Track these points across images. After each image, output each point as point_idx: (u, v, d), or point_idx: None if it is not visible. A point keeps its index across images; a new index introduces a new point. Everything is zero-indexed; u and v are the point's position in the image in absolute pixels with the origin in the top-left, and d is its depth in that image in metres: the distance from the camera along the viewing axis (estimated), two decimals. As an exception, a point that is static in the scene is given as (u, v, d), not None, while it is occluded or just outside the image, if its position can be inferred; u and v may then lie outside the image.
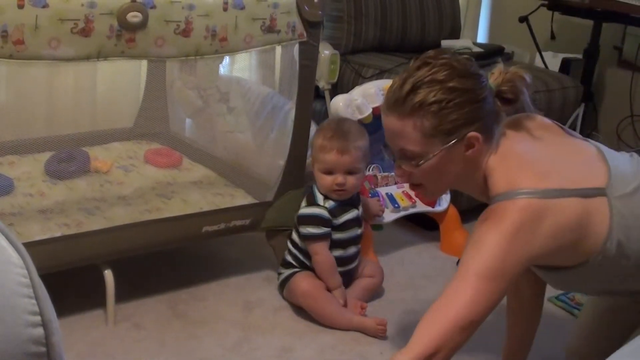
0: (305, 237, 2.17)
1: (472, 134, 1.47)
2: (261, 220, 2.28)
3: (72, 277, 2.11)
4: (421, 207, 2.60)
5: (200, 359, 1.94)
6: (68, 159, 2.39)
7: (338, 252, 2.20)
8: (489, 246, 1.41)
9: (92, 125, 2.66)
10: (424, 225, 2.80)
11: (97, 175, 2.40)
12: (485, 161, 1.51)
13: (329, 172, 2.15)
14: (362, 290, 2.26)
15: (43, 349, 0.68)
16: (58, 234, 1.98)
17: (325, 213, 2.16)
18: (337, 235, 2.19)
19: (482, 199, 1.58)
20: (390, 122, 1.51)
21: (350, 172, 2.15)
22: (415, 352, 1.38)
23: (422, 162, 1.50)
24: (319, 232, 2.16)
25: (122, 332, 2.02)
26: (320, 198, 2.18)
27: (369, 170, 2.57)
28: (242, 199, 2.36)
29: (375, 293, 2.31)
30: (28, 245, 1.88)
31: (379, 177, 2.56)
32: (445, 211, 2.67)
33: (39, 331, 0.68)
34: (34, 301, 0.69)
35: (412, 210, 2.58)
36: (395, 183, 2.60)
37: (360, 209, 2.27)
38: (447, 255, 2.65)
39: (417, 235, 2.78)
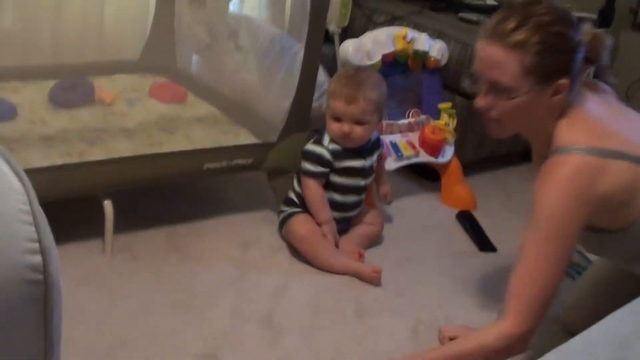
0: (302, 172, 2.19)
1: (563, 81, 1.53)
2: (263, 161, 2.27)
3: (71, 206, 2.10)
4: (424, 158, 2.59)
5: (195, 293, 1.94)
6: (72, 87, 2.37)
7: (336, 196, 2.20)
8: (551, 208, 1.49)
9: (98, 55, 2.64)
10: (426, 176, 2.79)
11: (101, 106, 2.39)
12: (560, 112, 1.57)
13: (337, 119, 2.14)
14: (361, 237, 2.27)
15: (40, 276, 0.67)
16: (59, 162, 1.97)
17: (325, 153, 2.16)
18: (337, 180, 2.19)
19: (541, 152, 1.62)
20: (491, 51, 1.55)
21: (358, 122, 2.13)
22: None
23: (512, 96, 1.55)
24: (314, 170, 2.17)
25: (118, 263, 2.03)
26: (326, 139, 2.18)
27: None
28: (246, 138, 2.35)
29: (374, 241, 2.32)
30: (28, 172, 1.87)
31: (383, 124, 2.54)
32: (448, 163, 2.65)
33: (37, 258, 0.67)
34: (33, 228, 0.68)
35: (415, 160, 2.57)
36: (400, 132, 2.58)
37: (372, 160, 2.25)
38: (446, 207, 2.65)
39: (419, 185, 2.77)
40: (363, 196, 2.27)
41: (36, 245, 0.67)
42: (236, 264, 2.10)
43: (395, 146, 2.53)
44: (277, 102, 2.36)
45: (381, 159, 2.35)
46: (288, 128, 2.27)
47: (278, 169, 2.31)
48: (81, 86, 2.39)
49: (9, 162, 0.69)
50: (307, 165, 2.17)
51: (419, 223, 2.52)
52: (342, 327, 1.90)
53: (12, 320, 0.66)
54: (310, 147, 2.18)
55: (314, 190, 2.18)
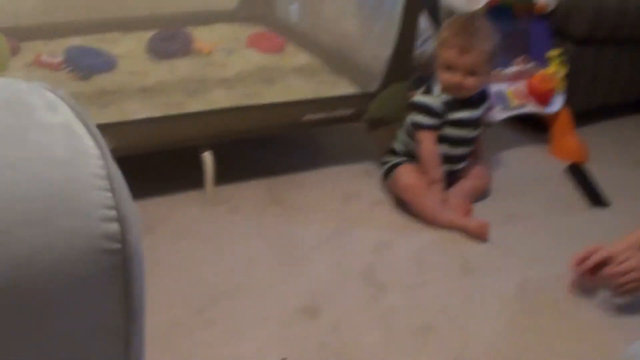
0: (413, 125, 2.11)
1: None
2: (363, 112, 2.20)
3: (172, 158, 2.09)
4: (532, 108, 2.47)
5: (295, 246, 1.91)
6: (170, 38, 2.35)
7: (445, 149, 2.12)
8: None
9: (197, 4, 2.61)
10: (535, 127, 2.67)
11: (199, 56, 2.36)
12: None
13: (449, 69, 2.05)
14: (468, 191, 2.18)
15: (118, 245, 0.62)
16: (158, 114, 1.95)
17: (436, 104, 2.08)
18: (448, 131, 2.11)
19: None
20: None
21: (470, 73, 2.04)
22: None
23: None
24: (427, 123, 2.09)
25: (218, 214, 2.01)
26: (437, 89, 2.10)
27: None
28: (345, 88, 2.28)
29: (480, 195, 2.23)
30: (128, 124, 1.87)
31: (490, 73, 2.43)
32: (558, 113, 2.53)
33: (114, 227, 0.61)
34: (110, 194, 0.62)
35: (521, 110, 2.46)
36: (507, 80, 2.46)
37: (481, 110, 2.16)
38: (556, 160, 2.52)
39: (527, 137, 2.66)
40: (472, 147, 2.19)
41: (113, 213, 0.61)
42: (337, 217, 2.05)
43: (501, 96, 2.42)
44: (377, 50, 2.28)
45: (489, 110, 2.24)
46: (389, 77, 2.19)
47: (379, 119, 2.24)
48: (179, 36, 2.37)
49: (84, 122, 0.64)
50: (419, 118, 2.09)
51: (527, 176, 2.41)
52: (447, 284, 1.83)
53: (90, 290, 0.61)
54: (421, 98, 2.10)
55: (428, 145, 2.10)
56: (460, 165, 2.19)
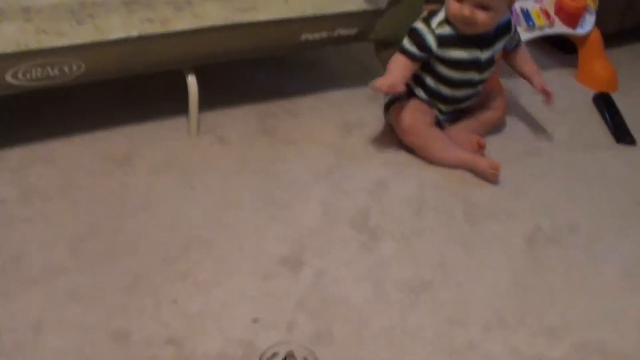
0: (398, 49, 1.88)
1: None
2: (370, 31, 1.99)
3: (156, 82, 1.92)
4: (559, 28, 2.24)
5: (284, 183, 1.74)
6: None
7: (444, 90, 1.90)
8: None
9: None
10: (562, 48, 2.43)
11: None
12: None
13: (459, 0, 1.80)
14: (480, 124, 1.98)
15: None
16: (137, 33, 1.76)
17: (428, 37, 1.83)
18: (444, 71, 1.87)
19: None
20: None
21: (481, 6, 1.78)
22: None
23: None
24: (410, 50, 1.84)
25: (203, 145, 1.84)
26: (437, 20, 1.84)
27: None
28: (352, 3, 2.05)
29: (493, 128, 2.03)
30: (106, 44, 1.69)
31: (513, -12, 2.19)
32: (587, 35, 2.29)
33: None
34: None
35: (547, 31, 2.22)
36: (533, -4, 2.23)
37: (492, 51, 1.90)
38: (582, 87, 2.31)
39: (553, 59, 2.43)
40: (479, 88, 1.96)
41: None
42: (334, 150, 1.87)
43: (526, 14, 2.19)
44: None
45: (517, 47, 1.99)
46: (399, -7, 1.97)
47: (388, 39, 2.02)
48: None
49: None
50: (405, 42, 1.85)
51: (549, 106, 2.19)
52: (447, 231, 1.67)
53: None
54: (417, 24, 1.85)
55: (398, 65, 1.85)
56: (465, 105, 1.98)
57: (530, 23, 2.18)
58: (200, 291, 1.43)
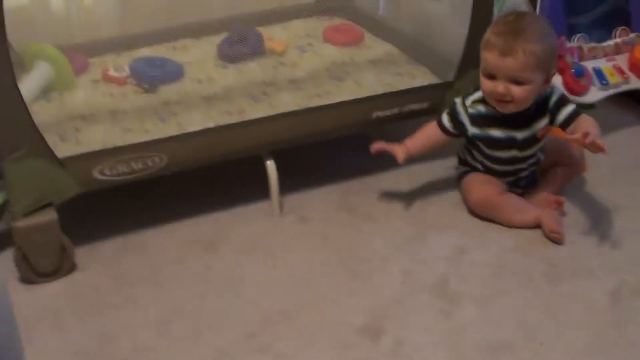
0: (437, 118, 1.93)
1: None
2: (441, 104, 2.03)
3: (240, 168, 2.01)
4: (635, 84, 2.21)
5: (364, 257, 1.78)
6: (241, 40, 2.26)
7: (490, 165, 1.91)
8: None
9: (272, 1, 2.51)
10: (644, 103, 2.41)
11: (272, 56, 2.26)
12: None
13: (491, 76, 1.78)
14: (558, 182, 1.97)
15: None
16: (214, 124, 1.87)
17: (462, 115, 1.87)
18: (485, 150, 1.88)
19: None
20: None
21: (516, 81, 1.74)
22: None
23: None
24: (444, 123, 1.89)
25: (286, 225, 1.91)
26: (473, 97, 1.87)
27: (573, 40, 2.21)
28: (423, 78, 2.12)
29: (570, 181, 1.99)
30: (188, 136, 1.80)
31: (584, 48, 2.19)
32: (669, 88, 2.26)
33: None
34: None
35: (623, 88, 2.20)
36: (605, 55, 2.22)
37: (533, 130, 1.84)
38: (668, 141, 2.27)
39: (633, 115, 2.39)
40: (531, 161, 1.92)
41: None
42: (412, 222, 1.90)
43: (599, 73, 2.18)
44: (456, 33, 2.09)
45: (575, 118, 1.81)
46: (465, 64, 2.01)
47: (459, 111, 2.07)
48: (250, 37, 2.27)
49: None
50: (444, 114, 1.90)
51: (633, 161, 2.16)
52: (527, 293, 1.66)
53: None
54: (457, 99, 1.89)
55: (426, 133, 1.92)
56: (526, 174, 1.94)
57: (604, 82, 2.17)
58: (282, 364, 1.47)
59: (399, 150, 1.88)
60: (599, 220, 1.89)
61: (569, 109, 1.82)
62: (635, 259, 1.75)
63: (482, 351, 1.50)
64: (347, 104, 1.98)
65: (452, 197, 2.00)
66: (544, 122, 1.84)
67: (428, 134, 1.92)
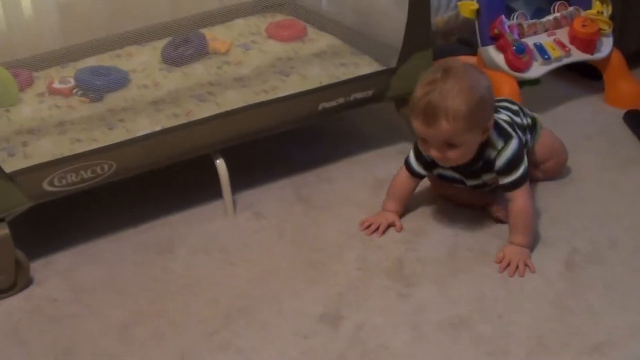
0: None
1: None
2: (386, 90, 2.05)
3: (192, 169, 2.01)
4: (577, 56, 2.25)
5: (320, 247, 1.80)
6: (184, 43, 2.26)
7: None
8: None
9: (215, 2, 2.51)
10: (587, 74, 2.44)
11: (216, 56, 2.26)
12: None
13: (422, 140, 1.68)
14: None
15: None
16: (160, 127, 1.87)
17: (414, 165, 1.82)
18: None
19: None
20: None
21: (448, 145, 1.64)
22: None
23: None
24: (412, 165, 1.82)
25: (241, 223, 1.91)
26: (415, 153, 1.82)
27: (513, 18, 2.24)
28: (367, 67, 2.13)
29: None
30: (135, 141, 1.80)
31: (524, 25, 2.22)
32: (608, 57, 2.30)
33: None
34: None
35: (565, 61, 2.24)
36: (545, 30, 2.25)
37: (482, 180, 1.77)
38: (612, 108, 2.30)
39: (578, 87, 2.43)
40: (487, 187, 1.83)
41: None
42: (367, 208, 1.91)
43: (540, 48, 2.21)
44: (397, 18, 2.10)
45: (508, 195, 1.72)
46: (407, 49, 2.03)
47: (404, 96, 2.08)
48: (193, 39, 2.27)
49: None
50: (411, 155, 1.83)
51: (580, 131, 2.20)
52: (483, 268, 1.68)
53: None
54: (411, 153, 1.84)
55: (400, 177, 1.85)
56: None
57: (546, 56, 2.20)
58: (244, 358, 1.48)
59: (397, 222, 1.84)
60: (550, 191, 1.92)
61: (508, 179, 1.70)
62: (585, 227, 1.79)
63: (443, 329, 1.52)
64: (293, 97, 1.98)
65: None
66: (493, 175, 1.74)
67: (397, 185, 1.87)
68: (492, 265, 1.68)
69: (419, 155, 1.79)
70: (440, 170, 1.80)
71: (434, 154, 1.67)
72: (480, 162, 1.71)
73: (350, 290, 1.64)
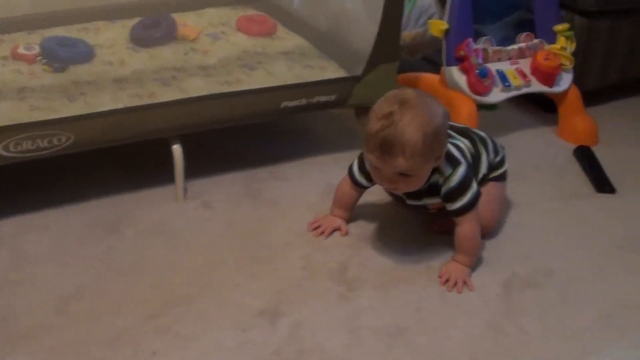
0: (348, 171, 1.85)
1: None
2: (348, 97, 2.08)
3: (147, 152, 2.01)
4: (536, 87, 2.31)
5: (266, 243, 1.81)
6: (154, 25, 2.25)
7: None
8: None
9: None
10: (543, 106, 2.51)
11: (183, 42, 2.26)
12: None
13: (376, 169, 1.65)
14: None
15: None
16: (123, 105, 1.87)
17: (358, 176, 1.82)
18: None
19: None
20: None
21: (402, 175, 1.62)
22: None
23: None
24: (355, 174, 1.82)
25: (189, 210, 1.92)
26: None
27: (479, 43, 2.29)
28: (333, 72, 2.16)
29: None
30: (95, 116, 1.79)
31: (489, 51, 2.28)
32: (566, 92, 2.36)
33: None
34: None
35: (525, 90, 2.30)
36: (509, 58, 2.31)
37: (430, 202, 1.77)
38: (564, 142, 2.37)
39: (533, 117, 2.50)
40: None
41: None
42: (315, 210, 1.93)
43: (502, 75, 2.27)
44: (365, 30, 2.14)
45: (463, 214, 1.71)
46: (374, 59, 2.06)
47: (365, 104, 2.11)
48: (163, 23, 2.27)
49: None
50: (355, 163, 1.83)
51: (530, 160, 2.26)
52: (424, 282, 1.71)
53: None
54: (355, 160, 1.84)
55: (344, 187, 1.86)
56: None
57: (507, 84, 2.25)
58: (180, 344, 1.48)
59: (343, 227, 1.86)
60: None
61: (455, 206, 1.70)
62: (525, 253, 1.83)
63: (379, 336, 1.54)
64: (257, 92, 2.00)
65: (356, 188, 2.04)
66: (436, 200, 1.74)
67: (341, 194, 1.88)
68: (433, 279, 1.72)
69: (362, 167, 1.78)
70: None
71: (386, 183, 1.66)
72: (426, 185, 1.69)
73: (292, 288, 1.66)
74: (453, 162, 1.70)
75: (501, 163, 1.91)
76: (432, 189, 1.71)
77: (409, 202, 1.80)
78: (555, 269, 1.77)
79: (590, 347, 1.53)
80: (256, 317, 1.57)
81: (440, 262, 1.77)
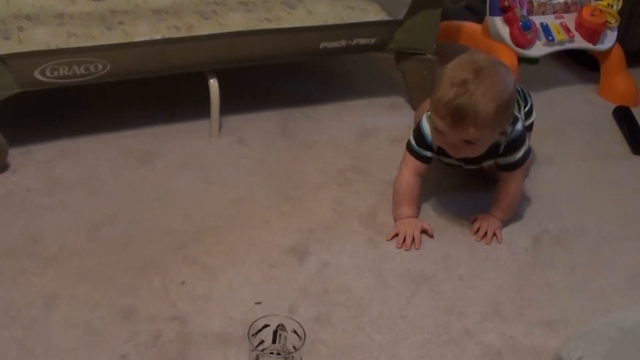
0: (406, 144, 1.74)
1: None
2: (388, 41, 2.05)
3: (182, 85, 2.01)
4: (579, 43, 2.26)
5: (298, 183, 1.81)
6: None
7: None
8: None
9: None
10: (586, 64, 2.46)
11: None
12: None
13: (441, 134, 1.59)
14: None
15: None
16: (161, 37, 1.85)
17: (428, 138, 1.68)
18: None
19: None
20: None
21: (468, 143, 1.58)
22: None
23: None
24: (416, 149, 1.70)
25: (224, 146, 1.92)
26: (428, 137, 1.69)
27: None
28: (375, 14, 2.12)
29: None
30: (132, 45, 1.78)
31: (534, 3, 2.23)
32: (609, 51, 2.31)
33: None
34: None
35: (568, 46, 2.25)
36: (554, 12, 2.26)
37: (479, 166, 1.74)
38: (604, 101, 2.33)
39: (575, 74, 2.45)
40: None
41: None
42: (349, 154, 1.93)
43: (546, 29, 2.22)
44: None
45: (509, 172, 1.71)
46: (417, 3, 2.02)
47: (406, 50, 2.09)
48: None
49: None
50: (412, 138, 1.72)
51: (569, 118, 2.23)
52: (454, 232, 1.71)
53: None
54: (423, 120, 1.70)
55: (404, 179, 1.72)
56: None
57: (550, 38, 2.21)
58: (208, 275, 1.49)
59: (424, 225, 1.71)
60: (532, 171, 1.94)
61: (507, 161, 1.69)
62: (558, 210, 1.81)
63: (405, 280, 1.54)
64: (296, 30, 1.98)
65: (390, 132, 2.03)
66: (492, 161, 1.71)
67: (404, 186, 1.73)
68: (462, 230, 1.71)
69: (420, 141, 1.70)
70: (442, 157, 1.73)
71: (449, 148, 1.62)
72: (485, 151, 1.65)
73: (321, 228, 1.66)
74: (513, 120, 1.66)
75: (530, 112, 1.87)
76: (493, 149, 1.66)
77: (468, 167, 1.74)
78: (586, 228, 1.76)
79: (616, 305, 1.52)
80: (284, 255, 1.57)
81: (470, 210, 1.75)
